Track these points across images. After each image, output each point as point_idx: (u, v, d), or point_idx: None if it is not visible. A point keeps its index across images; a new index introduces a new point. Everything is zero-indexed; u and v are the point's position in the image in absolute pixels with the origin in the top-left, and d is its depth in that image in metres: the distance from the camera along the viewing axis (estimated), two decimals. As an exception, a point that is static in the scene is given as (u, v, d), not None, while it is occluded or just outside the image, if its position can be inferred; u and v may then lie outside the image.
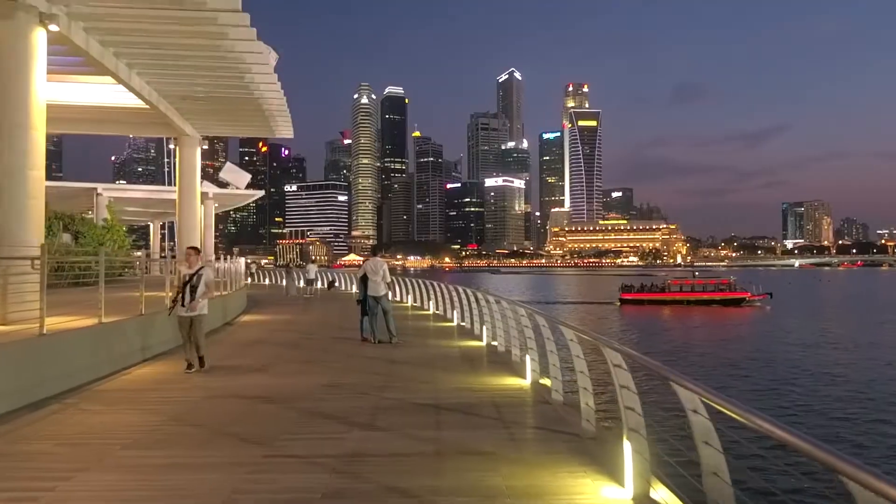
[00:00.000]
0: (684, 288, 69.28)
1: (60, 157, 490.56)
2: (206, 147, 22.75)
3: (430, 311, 23.88)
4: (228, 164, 43.78)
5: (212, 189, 41.35)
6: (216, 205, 42.32)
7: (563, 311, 60.88)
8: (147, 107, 19.14)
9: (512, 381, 10.13)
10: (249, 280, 59.58)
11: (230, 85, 18.60)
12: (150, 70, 17.90)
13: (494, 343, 14.07)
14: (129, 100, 19.09)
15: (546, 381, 9.47)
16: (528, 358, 10.15)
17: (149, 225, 60.44)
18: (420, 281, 26.81)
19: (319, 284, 37.84)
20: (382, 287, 14.90)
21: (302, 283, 36.78)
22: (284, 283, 39.40)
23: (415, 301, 27.87)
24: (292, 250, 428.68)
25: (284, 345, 14.69)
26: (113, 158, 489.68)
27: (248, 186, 45.18)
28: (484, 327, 15.13)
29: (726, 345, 36.52)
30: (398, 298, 31.46)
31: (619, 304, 68.05)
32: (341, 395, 9.12)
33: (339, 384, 9.91)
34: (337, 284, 45.46)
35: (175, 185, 23.93)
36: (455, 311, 19.68)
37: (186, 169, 22.76)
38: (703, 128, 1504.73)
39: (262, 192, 44.76)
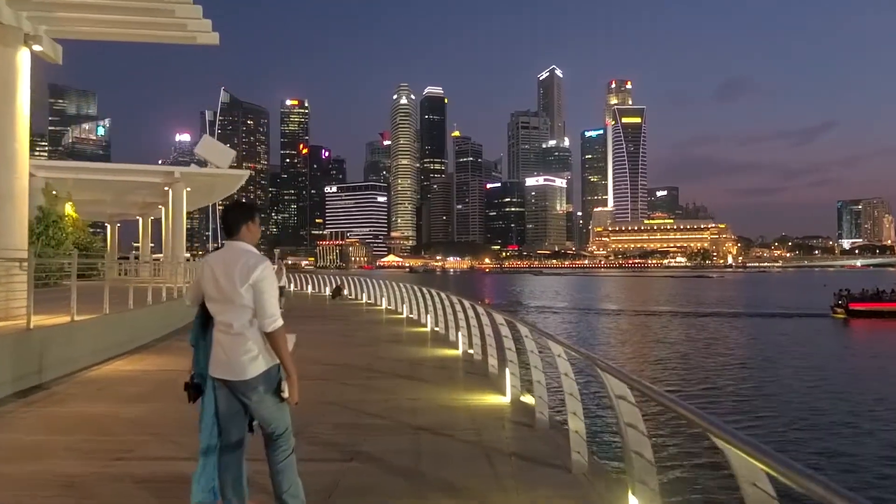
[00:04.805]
0: None
1: (109, 160, 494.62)
2: (59, 63, 12.55)
3: (460, 350, 13.58)
4: (206, 137, 34.30)
5: (179, 168, 31.69)
6: (188, 189, 32.45)
7: (767, 327, 47.53)
8: None
9: None
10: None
11: None
12: None
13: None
14: None
15: None
16: None
17: (137, 220, 51.24)
18: (451, 298, 15.51)
19: (293, 287, 28.46)
20: (255, 352, 3.79)
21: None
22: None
23: (436, 324, 17.52)
24: (332, 251, 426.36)
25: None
26: (160, 162, 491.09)
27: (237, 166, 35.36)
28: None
29: None
30: (413, 315, 21.06)
31: (841, 315, 52.57)
32: None
33: None
34: (346, 292, 35.43)
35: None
36: (507, 369, 9.12)
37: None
38: (749, 125, 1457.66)
39: (247, 173, 34.82)
